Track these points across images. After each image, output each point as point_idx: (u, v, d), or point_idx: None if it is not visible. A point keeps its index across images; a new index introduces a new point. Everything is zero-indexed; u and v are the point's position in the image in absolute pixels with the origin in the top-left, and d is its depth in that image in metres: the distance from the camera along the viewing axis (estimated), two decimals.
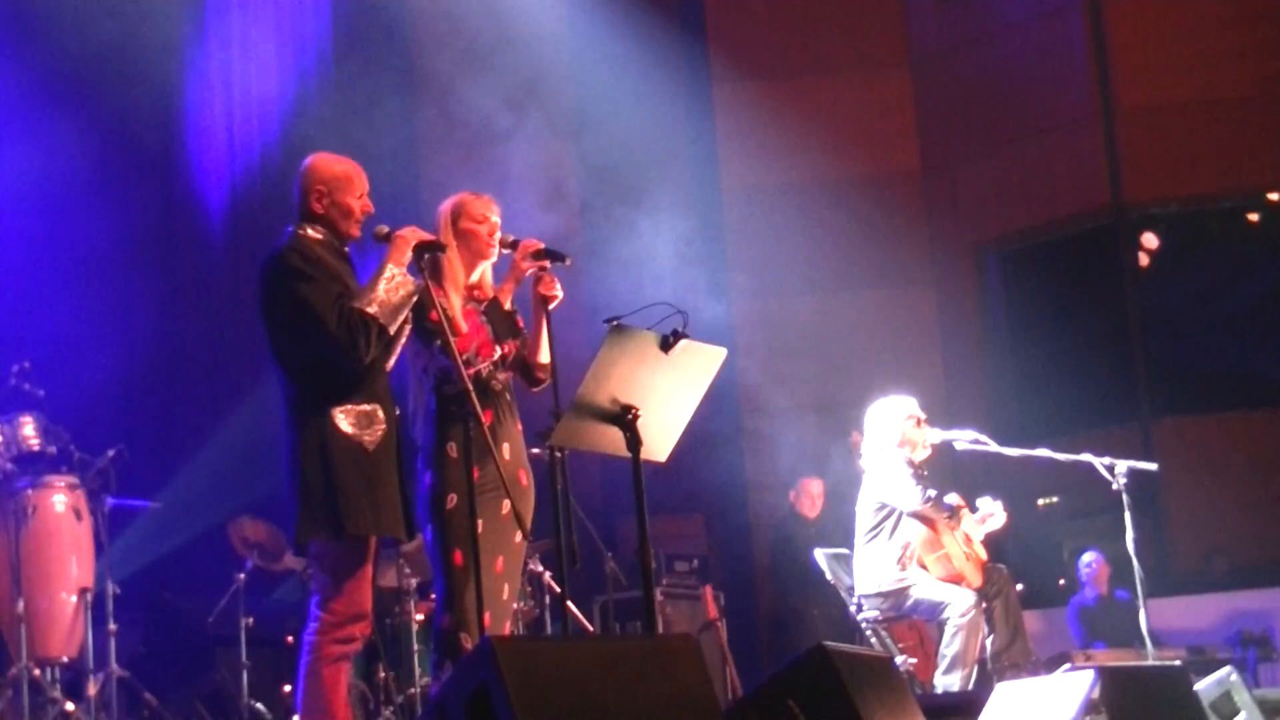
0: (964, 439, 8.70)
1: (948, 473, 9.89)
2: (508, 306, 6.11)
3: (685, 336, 5.41)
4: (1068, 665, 7.80)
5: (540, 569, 8.77)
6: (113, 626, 8.49)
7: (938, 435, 8.70)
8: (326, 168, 5.70)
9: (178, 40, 11.79)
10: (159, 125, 11.80)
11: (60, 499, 8.39)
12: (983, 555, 8.69)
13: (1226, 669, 7.01)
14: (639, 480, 5.41)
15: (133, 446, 8.88)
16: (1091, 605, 11.73)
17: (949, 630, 8.27)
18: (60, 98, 11.27)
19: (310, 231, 5.61)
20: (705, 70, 13.67)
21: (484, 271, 6.13)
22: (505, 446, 5.92)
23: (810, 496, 11.45)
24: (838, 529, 9.14)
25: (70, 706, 8.14)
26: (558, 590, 7.62)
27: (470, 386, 5.53)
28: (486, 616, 5.65)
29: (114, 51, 11.39)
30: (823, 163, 13.22)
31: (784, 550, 11.45)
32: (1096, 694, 5.77)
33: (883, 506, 8.55)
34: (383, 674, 8.57)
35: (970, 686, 8.08)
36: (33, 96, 10.99)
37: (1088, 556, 11.80)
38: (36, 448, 8.44)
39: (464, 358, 5.79)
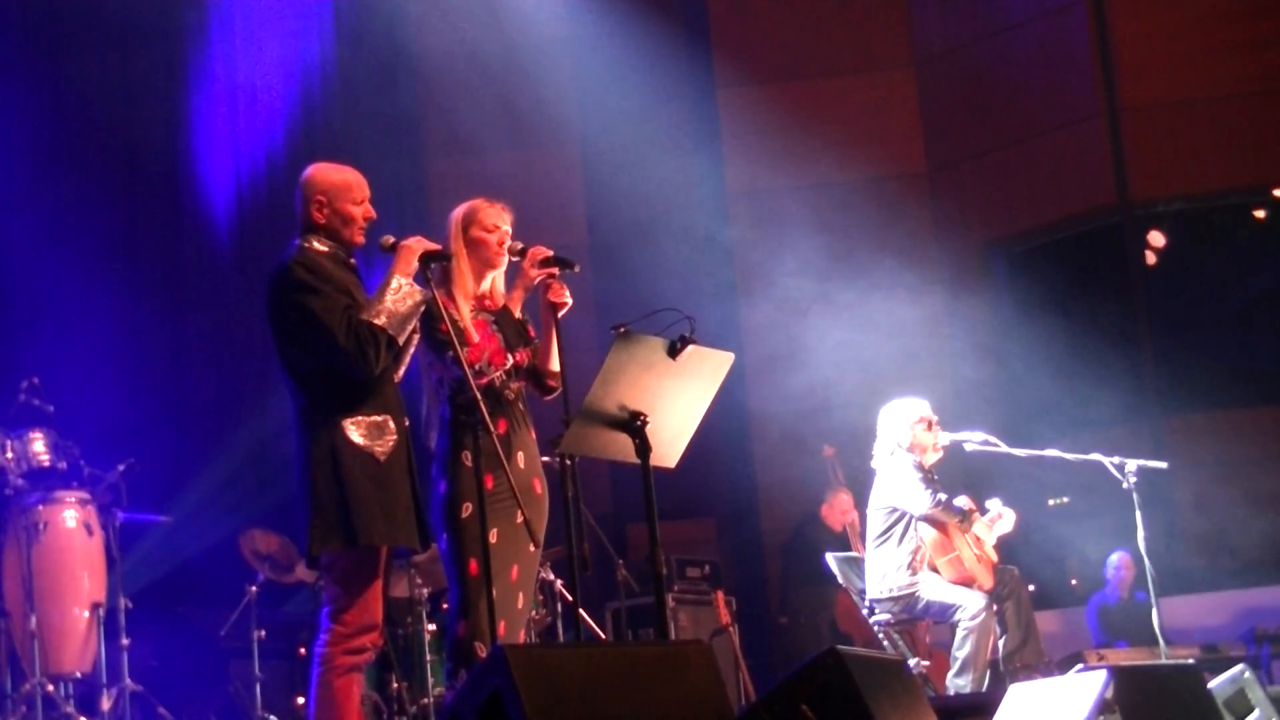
0: (974, 440, 8.70)
1: (958, 474, 9.87)
2: (518, 315, 6.10)
3: (693, 341, 5.41)
4: (1080, 665, 7.80)
5: (551, 576, 8.77)
6: (125, 641, 8.49)
7: (948, 437, 8.70)
8: (325, 177, 5.69)
9: (182, 57, 11.83)
10: (164, 137, 11.83)
11: (71, 514, 8.39)
12: (994, 557, 8.69)
13: (1240, 666, 6.99)
14: (649, 486, 5.40)
15: (143, 460, 8.89)
16: (1112, 605, 11.68)
17: (960, 632, 8.26)
18: (65, 112, 11.30)
19: (315, 243, 5.60)
20: (709, 74, 13.65)
21: (494, 280, 6.13)
22: (519, 455, 5.92)
23: (836, 510, 11.29)
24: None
25: None
26: (569, 598, 7.61)
27: (480, 396, 5.53)
28: (501, 625, 5.64)
29: (118, 66, 11.42)
30: (828, 164, 13.19)
31: (802, 557, 11.34)
32: (1110, 694, 5.76)
33: (893, 510, 8.55)
34: (396, 684, 8.58)
35: (983, 688, 8.08)
36: (38, 112, 11.01)
37: (1115, 556, 11.66)
38: (47, 463, 8.45)
39: (476, 367, 5.80)
